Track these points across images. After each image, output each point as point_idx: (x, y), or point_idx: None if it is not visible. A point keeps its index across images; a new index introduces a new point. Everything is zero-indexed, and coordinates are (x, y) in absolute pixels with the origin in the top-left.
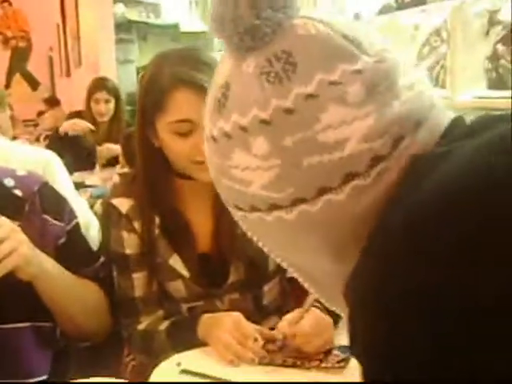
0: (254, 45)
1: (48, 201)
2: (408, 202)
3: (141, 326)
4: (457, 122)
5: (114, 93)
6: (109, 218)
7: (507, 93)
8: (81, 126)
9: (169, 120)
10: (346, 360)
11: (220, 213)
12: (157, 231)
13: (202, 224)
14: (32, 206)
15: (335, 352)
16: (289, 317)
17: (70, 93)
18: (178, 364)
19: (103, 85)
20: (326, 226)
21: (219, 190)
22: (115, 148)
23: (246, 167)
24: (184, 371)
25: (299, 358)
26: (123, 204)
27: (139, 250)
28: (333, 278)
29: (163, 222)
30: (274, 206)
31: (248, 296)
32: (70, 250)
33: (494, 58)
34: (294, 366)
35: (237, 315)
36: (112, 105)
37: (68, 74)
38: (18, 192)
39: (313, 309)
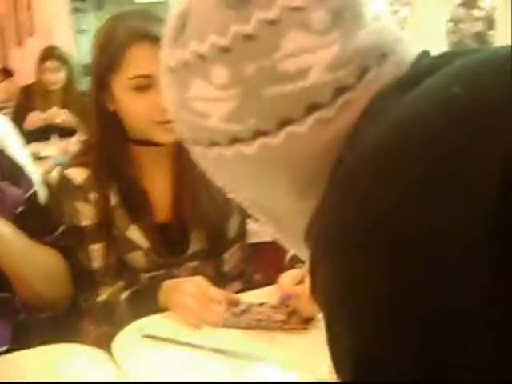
0: None
1: (5, 168)
2: (364, 140)
3: (101, 298)
4: (421, 58)
5: (64, 61)
6: (62, 189)
7: None
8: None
9: (126, 76)
10: (308, 320)
11: (179, 181)
12: (114, 201)
13: (160, 193)
14: None
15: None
16: (289, 276)
17: (23, 63)
18: (140, 329)
19: (52, 53)
20: (288, 160)
21: (178, 126)
22: (62, 112)
23: (204, 98)
24: (146, 336)
25: (262, 319)
26: (78, 174)
27: (95, 221)
28: (297, 217)
29: (120, 191)
30: (234, 140)
31: (208, 263)
32: (29, 219)
33: (456, 21)
34: (257, 327)
35: (198, 279)
36: (63, 73)
37: (20, 43)
38: None
39: None
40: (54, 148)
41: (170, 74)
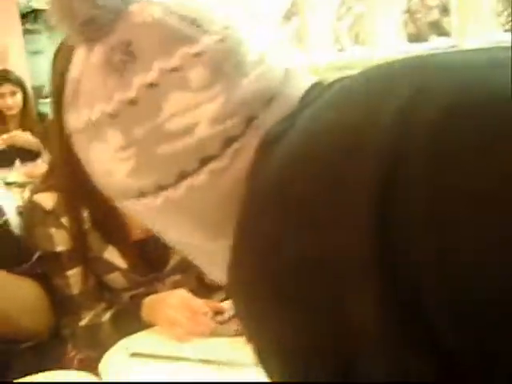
0: (95, 36)
1: None
2: (260, 176)
3: (82, 322)
4: (311, 91)
5: (20, 84)
6: (33, 216)
7: (426, 45)
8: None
9: None
10: None
11: None
12: (87, 224)
13: None
14: None
15: None
16: None
17: None
18: (127, 348)
19: (6, 77)
20: (191, 209)
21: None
22: (24, 136)
23: (105, 160)
24: (133, 354)
25: None
26: (47, 199)
27: (70, 245)
28: (212, 255)
29: (92, 214)
30: (141, 194)
31: (190, 275)
32: (2, 248)
33: (411, 11)
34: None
35: (181, 291)
36: (19, 96)
37: None
38: None
39: None
40: (18, 173)
41: (73, 135)
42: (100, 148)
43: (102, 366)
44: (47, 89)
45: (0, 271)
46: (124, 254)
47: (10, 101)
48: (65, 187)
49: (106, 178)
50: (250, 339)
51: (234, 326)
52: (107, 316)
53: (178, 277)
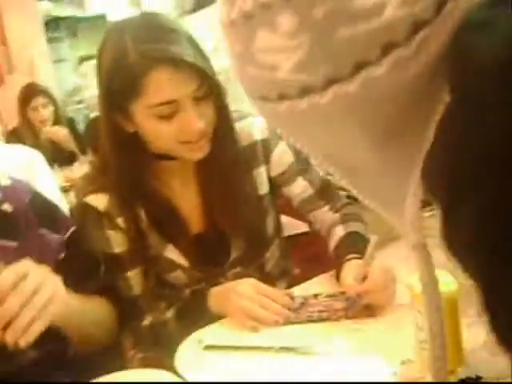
0: None
1: (42, 212)
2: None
3: (146, 322)
4: None
5: (49, 95)
6: (86, 219)
7: None
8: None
9: (148, 104)
10: (370, 307)
11: (208, 188)
12: (144, 223)
13: (190, 205)
14: (27, 221)
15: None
16: (351, 273)
17: (6, 102)
18: (200, 341)
19: (36, 90)
20: (365, 106)
21: (243, 83)
22: (63, 130)
23: (271, 49)
24: (207, 347)
25: (323, 310)
26: (99, 201)
27: (129, 246)
28: (375, 168)
29: (149, 212)
30: (305, 90)
31: (251, 267)
32: (72, 264)
33: None
34: (320, 319)
35: (251, 280)
36: (51, 108)
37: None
38: (7, 207)
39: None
40: (57, 177)
41: (231, 27)
42: (266, 36)
43: (178, 361)
44: (72, 96)
45: (82, 300)
46: (184, 251)
47: (42, 114)
48: (118, 187)
49: (267, 73)
50: None
51: (306, 312)
52: (171, 312)
53: (239, 269)
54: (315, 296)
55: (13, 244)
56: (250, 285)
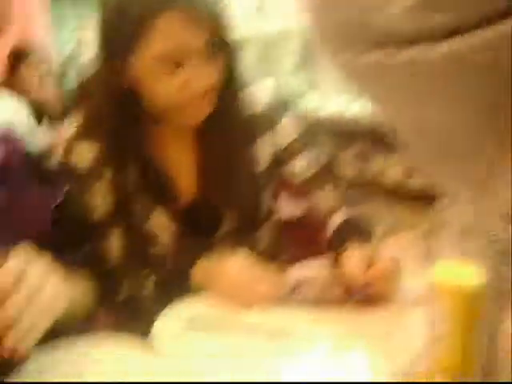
0: None
1: (35, 167)
2: None
3: (123, 291)
4: None
5: (43, 54)
6: (70, 168)
7: None
8: None
9: (153, 53)
10: (371, 296)
11: (204, 157)
12: (135, 183)
13: (184, 173)
14: (19, 172)
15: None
16: (355, 258)
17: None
18: (180, 316)
19: (30, 48)
20: (488, 67)
21: (325, 34)
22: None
23: None
24: (191, 321)
25: (319, 294)
26: (86, 149)
27: (113, 206)
28: (472, 137)
29: (138, 170)
30: (415, 39)
31: (242, 243)
32: (60, 231)
33: None
34: (317, 303)
35: (243, 253)
36: (44, 67)
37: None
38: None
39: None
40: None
41: None
42: None
43: (155, 332)
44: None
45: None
46: (173, 217)
47: (34, 72)
48: (110, 137)
49: (372, 12)
50: None
51: (302, 294)
52: (150, 284)
53: (228, 245)
54: (312, 279)
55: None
56: (243, 258)
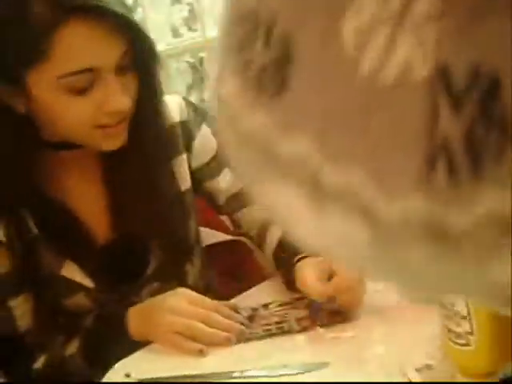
0: None
1: None
2: None
3: (37, 365)
4: None
5: None
6: None
7: None
8: None
9: (55, 72)
10: (341, 313)
11: (118, 185)
12: (33, 234)
13: (93, 208)
14: None
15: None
16: (312, 273)
17: None
18: (127, 375)
19: None
20: None
21: None
22: None
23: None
24: (141, 382)
25: (282, 321)
26: None
27: (11, 266)
28: None
29: (38, 218)
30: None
31: (171, 280)
32: None
33: None
34: (282, 332)
35: (182, 290)
36: None
37: None
38: None
39: None
40: None
41: None
42: None
43: None
44: None
45: None
46: (88, 267)
47: None
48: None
49: None
50: None
51: (260, 326)
52: (74, 346)
53: (156, 285)
54: (264, 306)
55: None
56: (182, 296)
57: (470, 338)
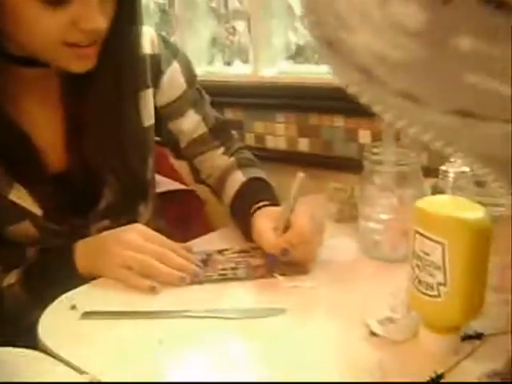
0: None
1: None
2: None
3: None
4: None
5: None
6: None
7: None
8: None
9: None
10: (294, 261)
11: (78, 112)
12: None
13: (50, 134)
14: None
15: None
16: (267, 225)
17: None
18: (73, 307)
19: None
20: None
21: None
22: None
23: None
24: (88, 314)
25: (237, 267)
26: None
27: None
28: None
29: None
30: None
31: (121, 221)
32: None
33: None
34: (237, 278)
35: (139, 226)
36: None
37: None
38: None
39: (300, 204)
40: None
41: None
42: None
43: (42, 329)
44: None
45: None
46: (38, 194)
47: None
48: None
49: None
50: None
51: (215, 270)
52: (13, 277)
53: (106, 222)
54: (220, 252)
55: None
56: (139, 232)
57: (442, 289)
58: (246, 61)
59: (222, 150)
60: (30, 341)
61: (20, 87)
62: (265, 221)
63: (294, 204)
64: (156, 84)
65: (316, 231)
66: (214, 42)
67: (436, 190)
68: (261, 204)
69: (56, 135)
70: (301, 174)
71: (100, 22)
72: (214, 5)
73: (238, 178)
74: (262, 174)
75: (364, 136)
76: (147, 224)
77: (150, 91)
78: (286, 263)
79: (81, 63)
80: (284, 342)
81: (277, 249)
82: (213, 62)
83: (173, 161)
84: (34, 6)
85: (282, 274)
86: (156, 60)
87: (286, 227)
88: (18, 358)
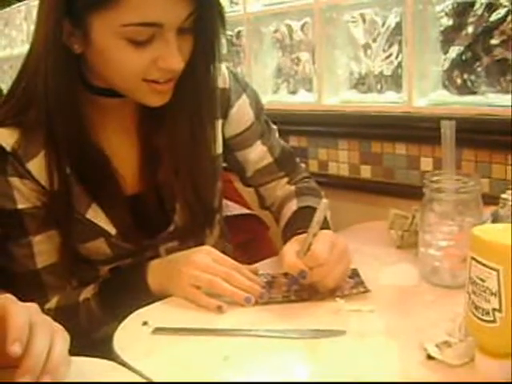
0: None
1: None
2: None
3: (50, 305)
4: None
5: None
6: None
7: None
8: None
9: (122, 21)
10: (361, 284)
11: (155, 139)
12: (67, 172)
13: (127, 158)
14: None
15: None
16: (292, 248)
17: None
18: (145, 323)
19: None
20: None
21: None
22: None
23: None
24: (158, 330)
25: (301, 290)
26: (7, 137)
27: (39, 202)
28: None
29: (75, 159)
30: None
31: (189, 243)
32: None
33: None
34: (299, 300)
35: (207, 247)
36: None
37: None
38: None
39: (322, 231)
40: None
41: None
42: None
43: (117, 345)
44: None
45: None
46: (113, 214)
47: None
48: (40, 121)
49: None
50: None
51: (280, 292)
52: (89, 292)
53: (174, 243)
54: (285, 274)
55: None
56: (208, 253)
57: (497, 314)
58: (310, 90)
59: (286, 179)
60: (104, 352)
61: (100, 115)
62: (291, 245)
63: (317, 229)
64: (225, 115)
65: (337, 257)
66: (280, 71)
67: (496, 218)
68: (299, 231)
69: (132, 160)
70: (324, 200)
71: (177, 62)
72: (279, 36)
73: (292, 207)
74: (313, 203)
75: (426, 163)
76: (214, 246)
77: (220, 122)
78: (307, 286)
79: (157, 98)
80: (343, 363)
81: (294, 269)
82: (278, 91)
83: (237, 185)
84: (119, 45)
85: (344, 296)
86: (226, 93)
87: (309, 251)
88: (94, 367)
